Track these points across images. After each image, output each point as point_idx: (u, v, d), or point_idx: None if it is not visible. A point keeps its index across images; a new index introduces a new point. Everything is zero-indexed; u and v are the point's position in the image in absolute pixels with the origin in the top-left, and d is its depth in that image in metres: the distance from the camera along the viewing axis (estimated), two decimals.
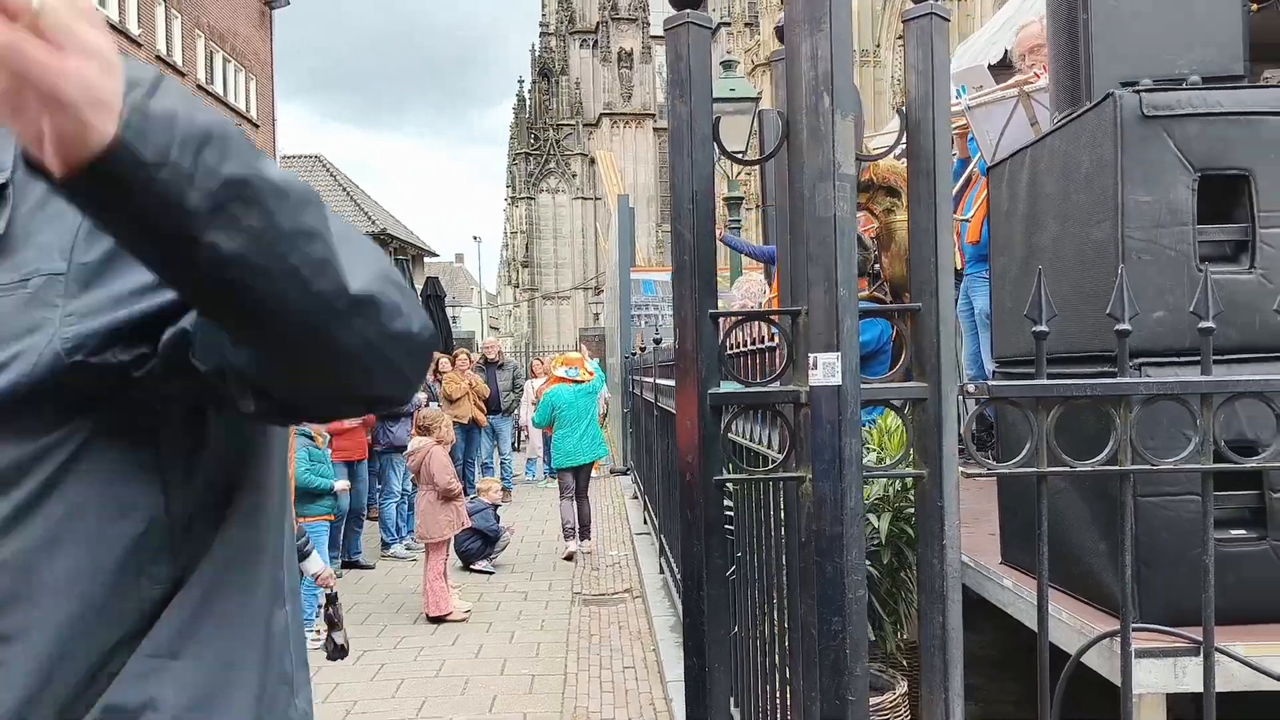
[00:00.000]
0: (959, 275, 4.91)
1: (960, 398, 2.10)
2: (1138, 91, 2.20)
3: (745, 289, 6.94)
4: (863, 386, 1.95)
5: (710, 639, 2.09)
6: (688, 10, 1.86)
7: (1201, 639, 2.03)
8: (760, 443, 2.78)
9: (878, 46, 30.66)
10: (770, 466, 2.16)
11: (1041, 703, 2.03)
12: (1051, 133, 2.52)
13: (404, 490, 9.28)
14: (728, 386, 2.15)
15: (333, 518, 6.98)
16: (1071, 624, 2.36)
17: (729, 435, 3.05)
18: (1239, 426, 2.17)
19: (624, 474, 13.39)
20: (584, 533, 9.26)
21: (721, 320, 2.09)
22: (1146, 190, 2.18)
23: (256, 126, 23.57)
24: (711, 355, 2.06)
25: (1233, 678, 2.20)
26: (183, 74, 19.41)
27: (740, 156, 8.21)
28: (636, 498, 10.92)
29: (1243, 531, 2.32)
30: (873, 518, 3.21)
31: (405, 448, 9.12)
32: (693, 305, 2.01)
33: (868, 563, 3.19)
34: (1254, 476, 2.26)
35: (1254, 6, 2.51)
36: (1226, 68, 2.39)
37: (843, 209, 1.77)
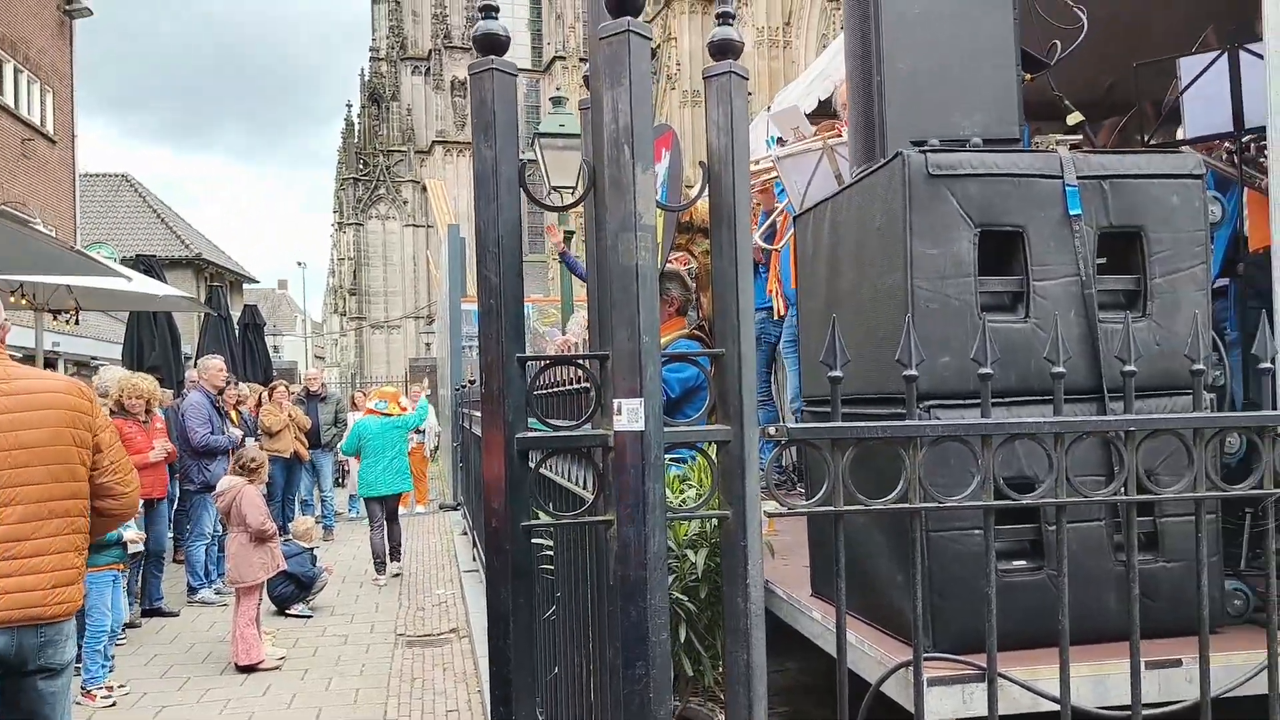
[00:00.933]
0: (783, 319, 5.12)
1: (762, 440, 2.16)
2: (924, 151, 2.35)
3: (581, 324, 6.97)
4: (668, 430, 1.98)
5: (517, 688, 2.06)
6: (492, 56, 1.86)
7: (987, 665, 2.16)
8: (577, 483, 2.77)
9: (786, 24, 27.65)
10: (580, 510, 2.16)
11: None
12: (849, 186, 2.66)
13: (215, 532, 8.75)
14: (539, 428, 2.14)
15: (123, 566, 6.46)
16: (873, 654, 2.45)
17: (545, 475, 3.03)
18: (1018, 465, 2.33)
19: (454, 509, 13.11)
20: (394, 553, 9.82)
21: (529, 364, 2.08)
22: (933, 243, 2.32)
23: (53, 142, 21.92)
24: (519, 399, 2.04)
25: (1015, 701, 2.34)
26: None
27: (549, 201, 8.28)
28: (466, 534, 10.70)
29: (1023, 563, 2.48)
30: (690, 553, 3.25)
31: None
32: (499, 349, 1.99)
33: (685, 598, 3.24)
34: (1032, 511, 2.43)
35: (1028, 77, 2.73)
36: (1004, 131, 2.59)
37: (644, 258, 1.80)
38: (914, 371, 2.11)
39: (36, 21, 21.28)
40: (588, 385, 2.27)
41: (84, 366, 19.98)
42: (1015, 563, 2.51)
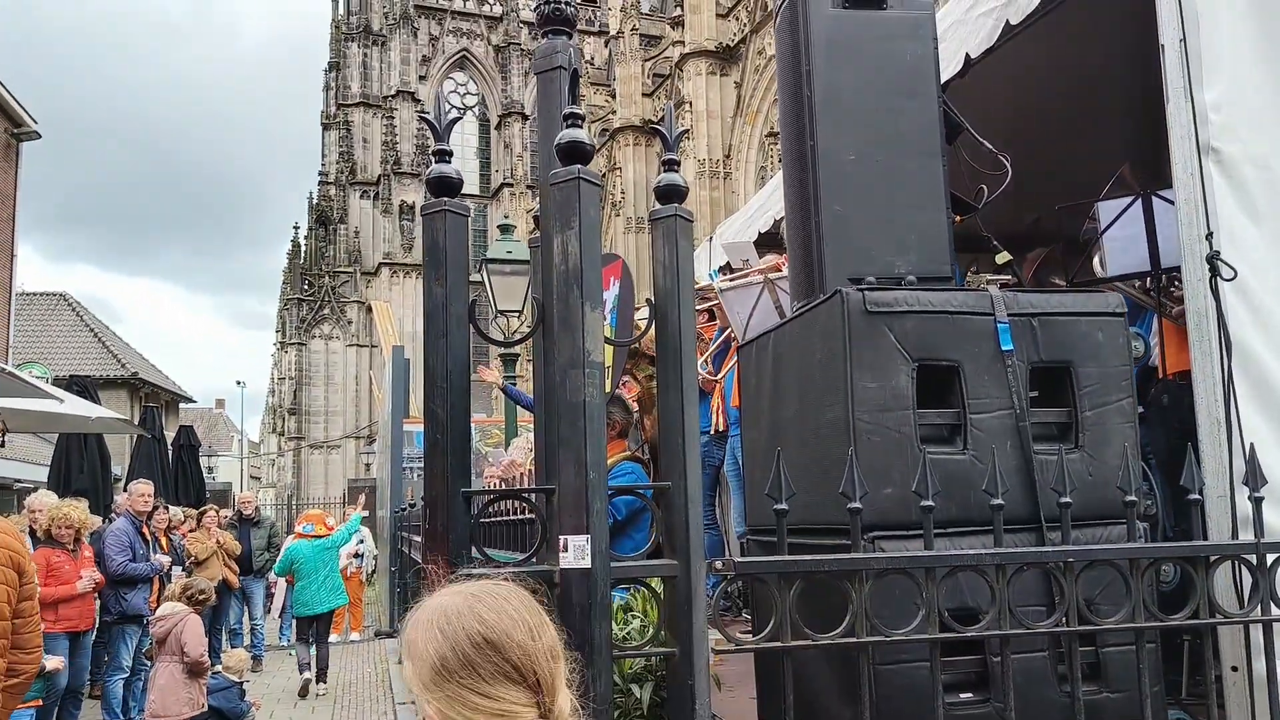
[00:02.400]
0: (724, 436, 5.15)
1: (708, 574, 2.15)
2: (862, 289, 2.44)
3: (519, 449, 6.92)
4: (614, 565, 1.96)
5: None
6: (444, 198, 1.91)
7: None
8: None
9: (727, 156, 28.76)
10: None
11: None
12: (790, 320, 2.74)
13: (134, 665, 8.30)
14: (495, 555, 2.11)
15: (39, 703, 6.08)
16: None
17: None
18: (961, 596, 2.34)
19: (390, 636, 12.65)
20: (320, 676, 10.04)
21: (475, 498, 2.07)
22: (873, 377, 2.39)
23: None
24: (463, 533, 2.02)
25: None
26: None
27: (502, 328, 8.35)
28: (402, 662, 10.30)
29: (969, 695, 2.47)
30: (635, 688, 3.17)
31: (140, 616, 8.27)
32: (445, 485, 1.98)
33: None
34: (977, 643, 2.43)
35: (957, 219, 2.87)
36: (936, 269, 2.71)
37: (591, 394, 1.82)
38: (858, 504, 2.14)
39: None
40: (533, 517, 2.26)
41: (6, 489, 19.20)
42: (962, 695, 2.50)
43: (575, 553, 1.85)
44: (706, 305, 4.90)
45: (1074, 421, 2.59)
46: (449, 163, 1.93)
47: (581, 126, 1.82)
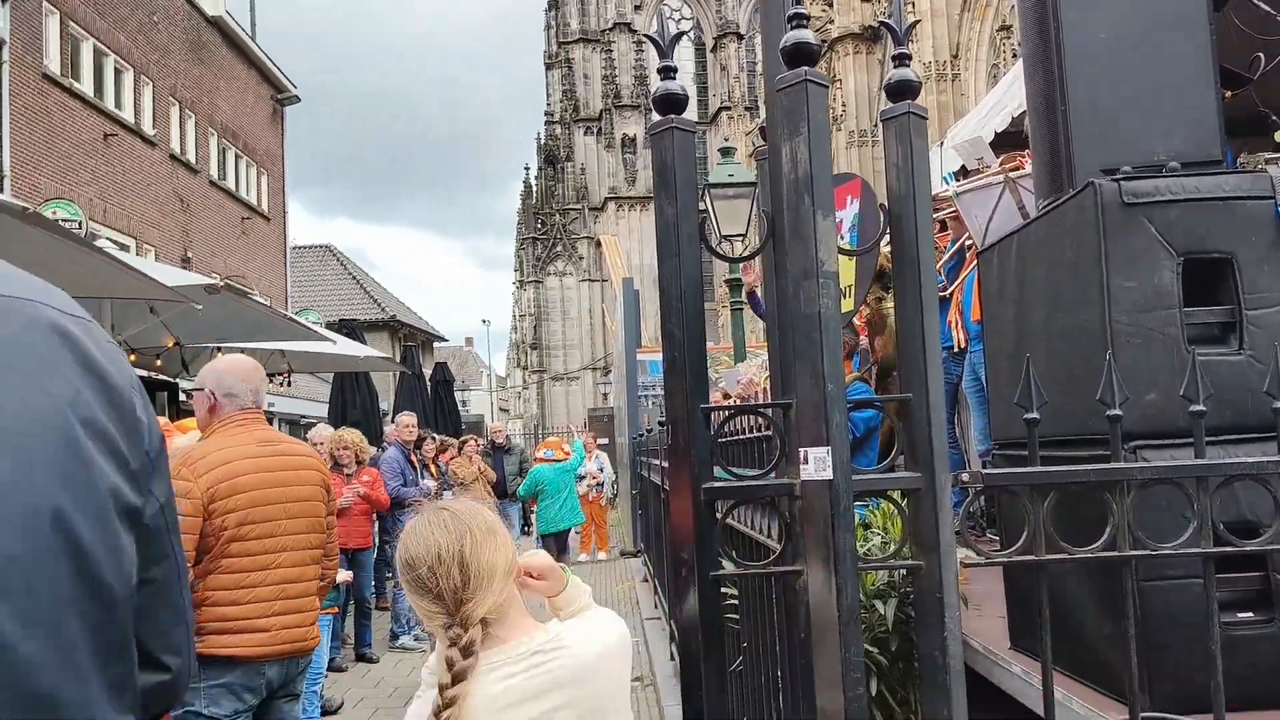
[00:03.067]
0: (964, 352, 4.94)
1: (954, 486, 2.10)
2: (1117, 180, 2.25)
3: (753, 368, 6.98)
4: (856, 478, 1.95)
5: None
6: (671, 115, 1.92)
7: None
8: (762, 532, 2.77)
9: (955, 57, 26.90)
10: (767, 560, 2.15)
11: None
12: (1036, 220, 2.56)
13: None
14: (724, 477, 2.16)
15: (336, 610, 6.89)
16: (1082, 712, 2.31)
17: (729, 524, 3.04)
18: (1238, 509, 2.15)
19: (635, 556, 13.24)
20: None
21: (713, 414, 2.11)
22: (1130, 275, 2.21)
23: (267, 220, 23.99)
24: (704, 449, 2.06)
25: None
26: (196, 170, 19.87)
27: (727, 254, 8.34)
28: (647, 580, 10.78)
29: (1250, 614, 2.28)
30: (879, 604, 3.17)
31: None
32: (684, 400, 2.02)
33: (875, 650, 3.15)
34: (1258, 558, 2.24)
35: (1228, 94, 2.57)
36: (1204, 153, 2.44)
37: (826, 305, 1.80)
38: (1118, 411, 2.01)
39: (252, 111, 23.50)
40: (770, 434, 2.28)
41: (295, 425, 21.56)
42: (1240, 614, 2.32)
43: (816, 465, 1.85)
44: (938, 215, 4.67)
45: None
46: (674, 79, 1.93)
47: (806, 27, 1.76)
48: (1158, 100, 2.49)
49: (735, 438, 3.08)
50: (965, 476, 2.03)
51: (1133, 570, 2.05)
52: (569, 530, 11.95)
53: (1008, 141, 4.88)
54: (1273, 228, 2.26)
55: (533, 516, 14.04)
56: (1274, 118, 2.96)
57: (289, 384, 13.10)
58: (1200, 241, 2.24)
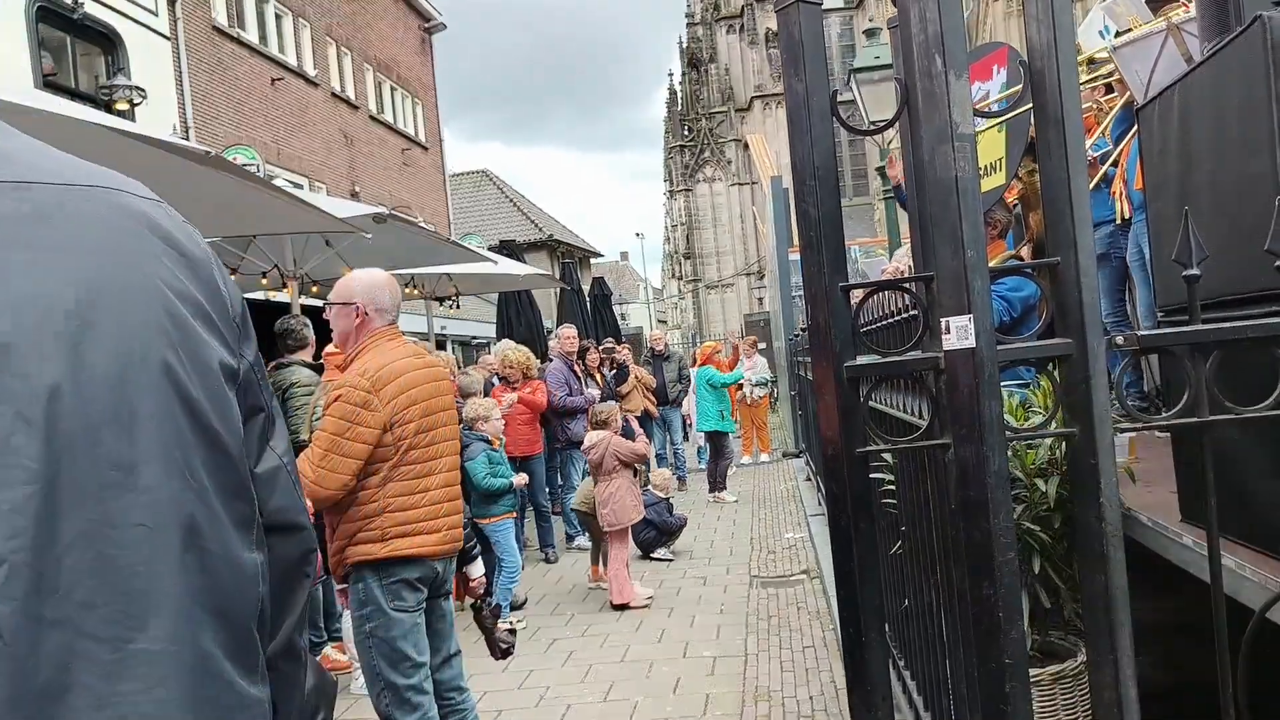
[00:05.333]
0: (1128, 223, 4.64)
1: (1114, 351, 2.03)
2: None
3: (900, 257, 6.79)
4: (1001, 347, 1.92)
5: (864, 608, 2.12)
6: None
7: None
8: (912, 413, 2.76)
9: None
10: (915, 435, 2.16)
11: (1221, 662, 1.94)
12: (1199, 65, 2.38)
13: None
14: (867, 360, 2.16)
15: (515, 514, 7.30)
16: (1255, 579, 2.23)
17: (877, 407, 3.04)
18: None
19: (797, 457, 13.31)
20: (719, 484, 11.81)
21: (853, 292, 2.11)
22: None
23: (425, 149, 24.77)
24: (845, 328, 2.08)
25: None
26: (356, 106, 20.68)
27: (861, 127, 8.03)
28: (809, 479, 10.86)
29: None
30: (1040, 481, 3.11)
31: (583, 442, 9.51)
32: (822, 280, 2.04)
33: (1038, 528, 3.11)
34: None
35: None
36: None
37: (963, 169, 1.76)
38: None
39: (402, 42, 24.13)
40: (915, 312, 2.26)
41: (466, 345, 22.56)
42: None
43: (958, 334, 1.84)
44: (1104, 79, 4.35)
45: None
46: None
47: None
48: None
49: (885, 321, 3.05)
50: (1120, 340, 1.96)
51: None
52: (727, 434, 12.28)
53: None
54: None
55: (690, 422, 14.37)
56: None
57: (457, 306, 13.67)
58: None
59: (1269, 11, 2.06)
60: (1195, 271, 1.91)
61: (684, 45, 55.46)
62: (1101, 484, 1.98)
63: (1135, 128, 4.55)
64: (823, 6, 2.09)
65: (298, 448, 4.99)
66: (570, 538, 9.57)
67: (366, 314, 3.59)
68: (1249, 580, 2.23)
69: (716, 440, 11.97)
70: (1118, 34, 3.81)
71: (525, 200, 35.87)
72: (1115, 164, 4.50)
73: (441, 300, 12.45)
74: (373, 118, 21.67)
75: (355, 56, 21.14)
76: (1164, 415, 1.98)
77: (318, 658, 5.95)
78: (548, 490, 9.76)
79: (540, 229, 32.29)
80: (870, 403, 2.91)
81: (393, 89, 23.16)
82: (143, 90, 11.48)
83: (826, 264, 2.04)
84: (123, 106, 11.14)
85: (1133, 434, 3.76)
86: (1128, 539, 3.08)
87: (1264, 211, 2.08)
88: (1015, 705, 1.86)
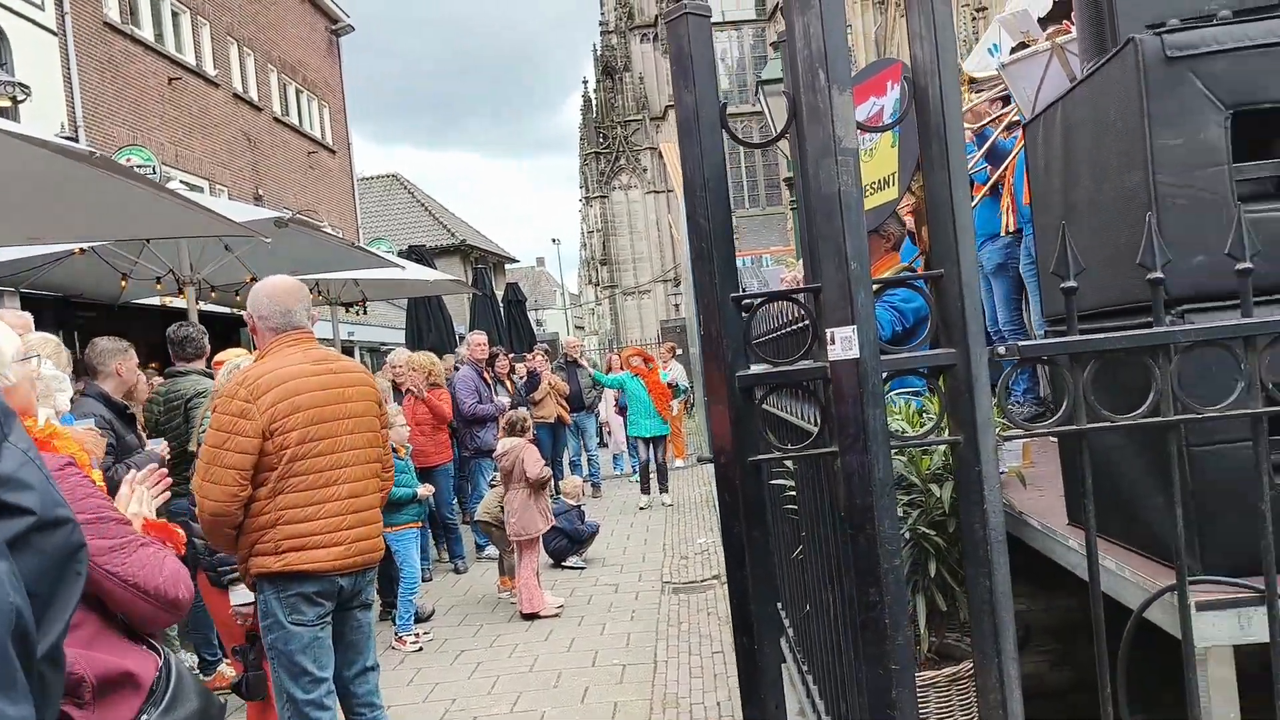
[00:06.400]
0: (1018, 235, 4.80)
1: (996, 362, 2.08)
2: (1160, 33, 2.15)
3: (799, 269, 6.91)
4: (885, 357, 1.95)
5: (757, 616, 2.12)
6: (684, 1, 1.89)
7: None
8: (807, 420, 2.79)
9: None
10: (804, 443, 2.18)
11: (1100, 663, 2.00)
12: (1079, 84, 2.46)
13: None
14: (759, 369, 2.17)
15: (420, 524, 7.18)
16: (1134, 580, 2.31)
17: (778, 414, 3.06)
18: None
19: (710, 462, 13.40)
20: (660, 485, 12.03)
21: (745, 303, 2.12)
22: (1175, 133, 2.12)
23: (333, 153, 24.24)
24: (737, 338, 2.08)
25: None
26: (259, 108, 20.12)
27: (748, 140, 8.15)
28: None
29: None
30: (935, 487, 3.18)
31: (492, 450, 9.40)
32: (714, 290, 2.04)
33: (933, 532, 3.18)
34: None
35: None
36: None
37: (846, 183, 1.78)
38: (1159, 274, 1.96)
39: (308, 44, 23.58)
40: (806, 322, 2.28)
41: (374, 352, 22.13)
42: None
43: (842, 344, 1.86)
44: (991, 94, 4.47)
45: None
46: None
47: None
48: None
49: (783, 330, 3.08)
50: (1001, 350, 2.01)
51: (1180, 435, 2.02)
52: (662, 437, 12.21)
53: (1061, 13, 4.64)
54: None
55: (606, 429, 14.32)
56: None
57: (365, 312, 13.41)
58: (1251, 93, 2.12)
59: (1141, 34, 2.14)
60: (1073, 284, 1.97)
61: (599, 53, 55.53)
62: (985, 490, 2.02)
63: (1020, 143, 4.72)
64: (714, 19, 2.09)
65: (187, 460, 4.84)
66: (480, 547, 9.46)
67: (255, 323, 3.56)
68: (1128, 581, 2.31)
69: (658, 443, 12.09)
70: (1012, 50, 3.94)
71: (437, 205, 35.39)
72: (1000, 181, 4.65)
73: (348, 306, 12.20)
74: (277, 119, 21.11)
75: (258, 57, 20.58)
76: (1044, 423, 2.04)
77: (210, 677, 5.75)
78: (457, 500, 9.63)
79: (453, 234, 31.89)
80: (773, 410, 2.94)
81: (298, 91, 22.61)
82: (26, 87, 10.96)
83: (718, 274, 2.04)
84: (4, 104, 10.62)
85: (1027, 440, 3.87)
86: (1022, 542, 3.17)
87: (1139, 226, 2.16)
88: (903, 711, 1.88)
